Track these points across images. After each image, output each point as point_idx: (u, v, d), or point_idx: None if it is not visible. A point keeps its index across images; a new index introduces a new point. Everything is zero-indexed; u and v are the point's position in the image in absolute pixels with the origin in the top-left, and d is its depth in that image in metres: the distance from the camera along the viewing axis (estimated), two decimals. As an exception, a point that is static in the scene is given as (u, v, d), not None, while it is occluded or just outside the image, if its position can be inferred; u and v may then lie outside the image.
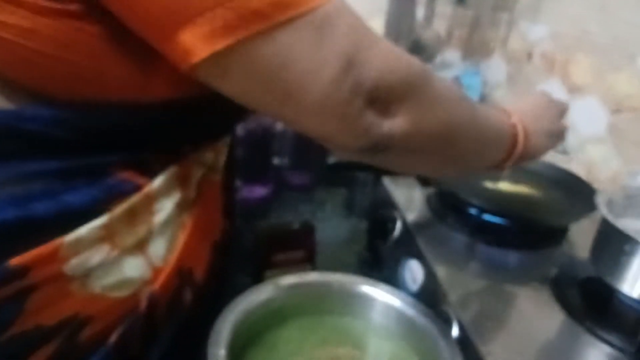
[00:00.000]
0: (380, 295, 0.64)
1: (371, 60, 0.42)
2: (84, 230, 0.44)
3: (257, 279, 0.72)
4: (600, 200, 0.67)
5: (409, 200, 0.91)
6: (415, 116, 0.47)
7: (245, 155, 1.06)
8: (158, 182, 0.49)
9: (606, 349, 0.61)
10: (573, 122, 1.09)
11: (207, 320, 0.56)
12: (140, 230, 0.48)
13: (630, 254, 0.61)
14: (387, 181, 0.97)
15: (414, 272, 0.75)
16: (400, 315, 0.63)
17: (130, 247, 0.48)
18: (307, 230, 0.74)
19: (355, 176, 1.27)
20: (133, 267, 0.48)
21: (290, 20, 0.39)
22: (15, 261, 0.40)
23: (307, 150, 1.14)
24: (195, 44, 0.38)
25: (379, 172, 1.04)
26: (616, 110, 0.96)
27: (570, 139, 1.09)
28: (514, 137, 0.61)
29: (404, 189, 0.95)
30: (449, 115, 0.51)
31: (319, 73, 0.41)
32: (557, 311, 0.66)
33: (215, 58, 0.39)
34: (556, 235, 0.84)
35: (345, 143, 0.46)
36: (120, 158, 0.47)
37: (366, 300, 0.65)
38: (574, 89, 1.09)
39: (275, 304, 0.62)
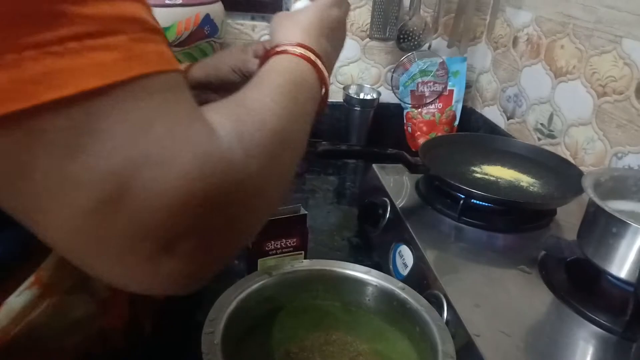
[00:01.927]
0: (371, 281, 0.65)
1: (159, 184, 0.29)
2: (12, 299, 0.39)
3: (251, 267, 0.73)
4: (587, 182, 0.68)
5: (398, 186, 0.92)
6: (241, 224, 0.36)
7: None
8: None
9: (594, 329, 0.62)
10: (559, 106, 1.10)
11: (185, 316, 0.54)
12: (78, 270, 0.43)
13: (617, 235, 0.62)
14: (376, 168, 0.98)
15: (404, 256, 0.76)
16: (391, 300, 0.64)
17: (70, 289, 0.43)
18: (299, 219, 0.74)
19: (345, 164, 1.28)
20: (77, 308, 0.44)
21: (22, 115, 0.26)
22: None
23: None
24: None
25: (368, 160, 1.04)
26: (601, 93, 0.97)
27: (557, 123, 1.10)
28: (318, 74, 0.52)
29: (393, 176, 0.95)
30: (283, 164, 0.41)
31: (62, 200, 0.28)
32: (545, 292, 0.67)
33: None
34: (544, 217, 0.85)
35: (139, 288, 0.33)
36: None
37: (358, 285, 0.65)
38: (560, 74, 1.10)
39: (269, 291, 0.63)
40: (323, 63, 0.53)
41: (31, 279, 0.40)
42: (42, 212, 0.29)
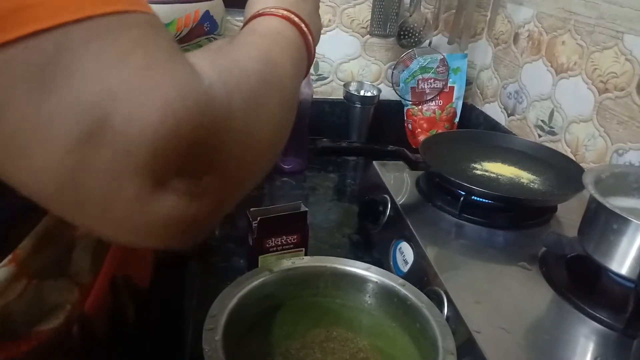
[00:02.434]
0: (371, 277, 0.65)
1: (141, 114, 0.27)
2: None
3: (251, 264, 0.73)
4: (587, 179, 0.67)
5: (399, 183, 0.92)
6: (231, 173, 0.34)
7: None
8: None
9: (595, 325, 0.62)
10: (560, 103, 1.10)
11: (165, 318, 0.53)
12: (59, 251, 0.42)
13: (618, 232, 0.62)
14: (377, 165, 0.98)
15: (404, 253, 0.76)
16: (391, 296, 0.64)
17: (49, 271, 0.42)
18: (300, 215, 0.74)
19: (346, 161, 1.28)
20: (56, 293, 0.43)
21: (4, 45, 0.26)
22: None
23: (297, 135, 1.14)
24: None
25: (369, 157, 1.04)
26: (603, 90, 0.97)
27: (557, 120, 1.10)
28: (300, 33, 0.51)
29: (393, 173, 0.95)
30: (272, 121, 0.40)
31: (45, 132, 0.27)
32: (545, 289, 0.67)
33: None
34: (544, 214, 0.85)
35: (131, 240, 0.31)
36: None
37: (358, 282, 0.65)
38: (561, 70, 1.10)
39: (270, 288, 0.63)
40: (308, 28, 0.52)
41: (9, 257, 0.39)
42: (19, 160, 0.28)
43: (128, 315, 0.51)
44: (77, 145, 0.27)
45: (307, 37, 0.51)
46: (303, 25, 0.51)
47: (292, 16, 0.50)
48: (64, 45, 0.27)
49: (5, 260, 0.39)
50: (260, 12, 0.50)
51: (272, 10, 0.50)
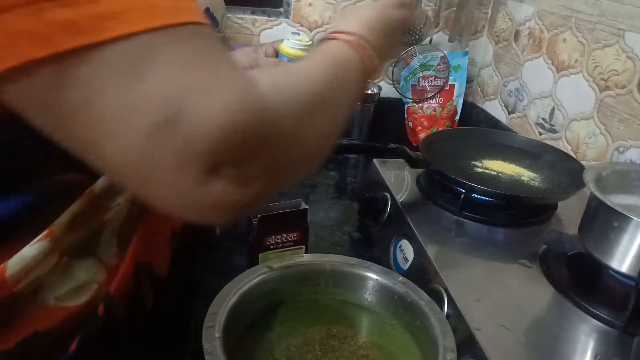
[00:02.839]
0: (372, 275, 0.65)
1: (208, 111, 0.32)
2: (26, 249, 0.40)
3: (252, 261, 0.73)
4: (588, 176, 0.67)
5: (399, 181, 0.92)
6: (280, 164, 0.39)
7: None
8: (103, 179, 0.45)
9: (595, 323, 0.62)
10: (560, 101, 1.10)
11: (179, 308, 0.54)
12: (89, 232, 0.45)
13: (619, 229, 0.62)
14: (377, 163, 0.98)
15: (404, 251, 0.76)
16: (392, 294, 0.64)
17: (80, 250, 0.45)
18: (300, 213, 0.74)
19: (346, 158, 1.28)
20: (85, 271, 0.45)
21: (82, 52, 0.30)
22: None
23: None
24: None
25: (369, 155, 1.04)
26: (604, 87, 0.97)
27: (558, 117, 1.10)
28: (361, 56, 0.55)
29: (394, 170, 0.95)
30: (319, 131, 0.44)
31: (126, 120, 0.32)
32: (546, 287, 0.67)
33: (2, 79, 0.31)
34: (545, 212, 0.85)
35: (188, 215, 0.38)
36: (55, 161, 0.42)
37: (358, 280, 0.65)
38: (562, 68, 1.09)
39: (270, 285, 0.63)
40: (373, 54, 0.56)
41: (45, 232, 0.42)
42: (103, 141, 0.32)
43: (147, 302, 0.53)
44: (155, 131, 0.31)
45: (370, 65, 0.55)
46: (368, 51, 0.55)
47: (359, 41, 0.55)
48: (152, 46, 0.32)
49: (41, 235, 0.41)
50: (331, 35, 0.56)
51: (339, 35, 0.55)
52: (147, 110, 0.31)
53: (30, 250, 0.41)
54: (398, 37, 0.66)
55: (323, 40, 0.56)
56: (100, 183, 0.45)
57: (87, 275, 0.45)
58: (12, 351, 0.42)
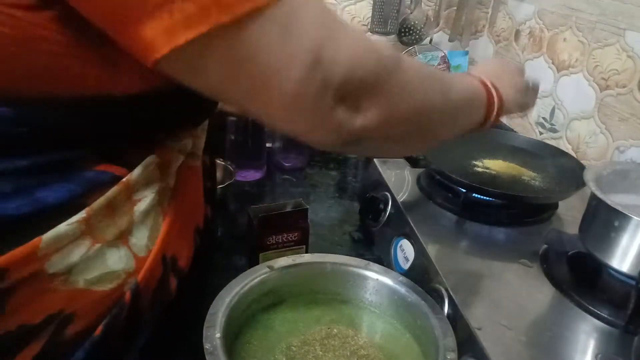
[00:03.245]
0: (372, 275, 0.65)
1: (339, 54, 0.40)
2: (62, 227, 0.43)
3: (252, 261, 0.73)
4: (588, 176, 0.67)
5: (400, 180, 0.92)
6: (387, 108, 0.46)
7: (239, 139, 1.06)
8: (137, 172, 0.48)
9: (596, 322, 0.62)
10: (561, 100, 1.10)
11: (191, 305, 0.56)
12: (121, 222, 0.47)
13: (619, 229, 0.62)
14: (377, 162, 0.98)
15: (405, 251, 0.76)
16: (392, 294, 0.63)
17: (112, 239, 0.47)
18: (301, 213, 0.74)
19: (347, 158, 1.28)
20: (116, 259, 0.47)
21: (253, 13, 0.37)
22: None
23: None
24: (156, 39, 0.36)
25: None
26: (604, 87, 0.97)
27: (559, 117, 1.10)
28: (488, 95, 0.62)
29: (394, 170, 0.95)
30: (422, 100, 0.50)
31: (285, 70, 0.39)
32: (546, 286, 0.67)
33: (177, 53, 0.37)
34: (545, 211, 0.85)
35: (318, 139, 0.45)
36: (94, 151, 0.46)
37: (359, 279, 0.65)
38: (562, 67, 1.09)
39: (270, 285, 0.63)
40: (498, 98, 0.63)
41: (82, 213, 0.44)
42: (264, 90, 0.40)
43: (170, 294, 0.53)
44: (306, 72, 0.39)
45: (492, 97, 0.63)
46: (489, 84, 0.63)
47: (487, 82, 0.63)
48: (292, 7, 0.39)
49: (78, 217, 0.44)
50: (473, 76, 0.64)
51: (478, 76, 0.64)
52: (297, 60, 0.39)
53: (64, 227, 0.43)
54: (512, 112, 0.72)
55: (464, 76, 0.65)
56: (135, 174, 0.48)
57: (118, 263, 0.47)
58: (38, 326, 0.43)
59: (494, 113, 0.63)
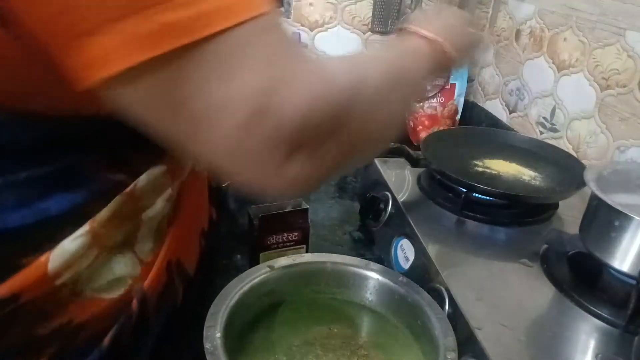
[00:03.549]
0: (372, 274, 0.65)
1: (292, 99, 0.36)
2: (68, 243, 0.42)
3: (253, 261, 0.73)
4: (589, 176, 0.67)
5: (400, 180, 0.92)
6: (349, 146, 0.42)
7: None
8: (143, 179, 0.47)
9: (596, 322, 0.62)
10: (561, 100, 1.09)
11: (196, 307, 0.55)
12: (128, 229, 0.47)
13: (620, 228, 0.62)
14: (378, 162, 0.98)
15: (405, 250, 0.76)
16: (392, 293, 0.64)
17: (118, 246, 0.46)
18: (301, 212, 0.74)
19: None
20: (122, 265, 0.46)
21: (194, 46, 0.33)
22: (2, 291, 0.38)
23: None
24: (96, 60, 0.32)
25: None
26: (605, 86, 0.97)
27: (559, 116, 1.10)
28: (439, 55, 0.57)
29: (394, 170, 0.95)
30: (386, 120, 0.47)
31: (224, 113, 0.35)
32: (547, 286, 0.67)
33: (114, 79, 0.33)
34: (546, 211, 0.85)
35: (270, 193, 0.42)
36: (99, 160, 0.45)
37: (359, 279, 0.65)
38: (562, 67, 1.09)
39: (271, 285, 0.63)
40: (448, 50, 0.57)
41: (86, 227, 0.43)
42: (202, 132, 0.36)
43: (177, 299, 0.53)
44: (247, 120, 0.35)
45: (440, 48, 0.56)
46: (440, 41, 0.56)
47: (432, 35, 0.56)
48: (240, 42, 0.34)
49: (83, 230, 0.43)
50: (412, 30, 0.57)
51: (415, 29, 0.57)
52: (242, 102, 0.35)
53: (71, 244, 0.42)
54: (471, 50, 0.67)
55: (399, 32, 0.59)
56: (142, 182, 0.47)
57: (123, 269, 0.47)
58: (47, 337, 0.42)
59: (446, 66, 0.59)
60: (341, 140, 0.41)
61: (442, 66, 0.58)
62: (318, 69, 0.39)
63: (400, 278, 0.64)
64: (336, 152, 0.41)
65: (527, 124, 1.22)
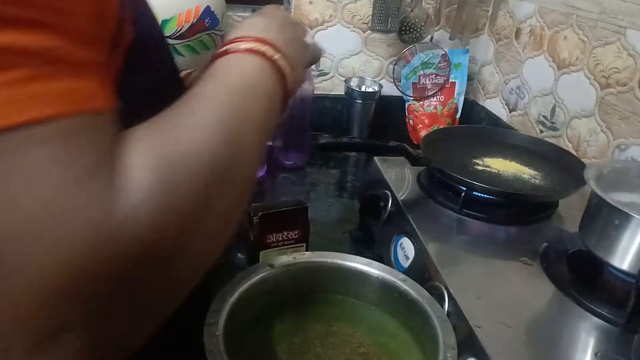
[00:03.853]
0: (372, 272, 0.65)
1: (37, 258, 0.24)
2: None
3: (253, 259, 0.73)
4: (589, 174, 0.67)
5: (400, 179, 0.92)
6: (148, 308, 0.31)
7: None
8: None
9: (595, 320, 0.62)
10: (561, 98, 1.10)
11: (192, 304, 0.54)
12: None
13: (619, 227, 0.62)
14: (378, 161, 0.98)
15: (405, 249, 0.76)
16: (392, 291, 0.64)
17: None
18: (301, 211, 0.74)
19: (347, 156, 1.28)
20: None
21: None
22: None
23: (299, 131, 1.15)
24: None
25: (370, 153, 1.04)
26: (605, 85, 0.97)
27: (559, 115, 1.10)
28: (281, 80, 0.44)
29: (394, 168, 0.95)
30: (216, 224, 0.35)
31: None
32: (546, 284, 0.67)
33: None
34: (545, 209, 0.85)
35: None
36: None
37: (359, 277, 0.65)
38: (563, 65, 1.09)
39: (271, 283, 0.63)
40: (284, 59, 0.45)
41: None
42: None
43: None
44: None
45: (282, 71, 0.44)
46: (278, 58, 0.44)
47: (264, 48, 0.44)
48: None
49: None
50: (229, 46, 0.44)
51: (240, 45, 0.43)
52: None
53: None
54: (305, 56, 0.55)
55: (220, 56, 0.43)
56: None
57: None
58: None
59: (289, 89, 0.46)
60: (124, 308, 0.28)
61: (282, 101, 0.45)
62: (96, 200, 0.26)
63: (400, 276, 0.64)
64: (117, 328, 0.29)
65: (527, 123, 1.22)
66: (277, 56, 0.44)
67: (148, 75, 0.42)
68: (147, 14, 0.45)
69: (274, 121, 0.43)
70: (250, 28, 0.46)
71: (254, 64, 0.43)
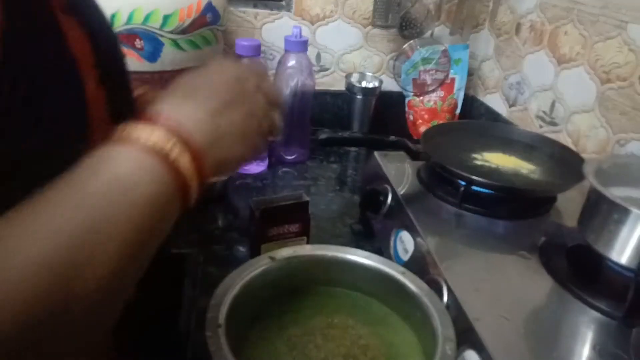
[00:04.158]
0: (372, 265, 0.65)
1: None
2: None
3: (254, 252, 0.73)
4: (588, 169, 0.67)
5: (400, 173, 0.92)
6: None
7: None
8: None
9: (594, 314, 0.62)
10: (561, 93, 1.10)
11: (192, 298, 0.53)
12: None
13: (618, 222, 0.62)
14: (378, 156, 0.98)
15: (405, 242, 0.77)
16: (392, 284, 0.64)
17: None
18: (302, 205, 0.75)
19: (347, 151, 1.28)
20: None
21: None
22: None
23: (299, 126, 1.15)
24: None
25: (370, 148, 1.04)
26: (605, 80, 0.97)
27: (559, 110, 1.10)
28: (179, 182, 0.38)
29: (394, 163, 0.95)
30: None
31: None
32: (545, 279, 0.67)
33: None
34: (544, 204, 0.85)
35: None
36: None
37: (359, 270, 0.66)
38: (563, 60, 1.09)
39: (272, 276, 0.63)
40: (194, 158, 0.38)
41: None
42: None
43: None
44: None
45: (182, 175, 0.38)
46: (180, 157, 0.37)
47: (169, 144, 0.37)
48: None
49: None
50: (124, 133, 0.37)
51: (140, 135, 0.36)
52: None
53: None
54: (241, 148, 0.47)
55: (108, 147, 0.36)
56: None
57: None
58: None
59: (191, 192, 0.39)
60: None
61: (181, 201, 0.39)
62: None
63: (400, 269, 0.64)
64: None
65: (527, 118, 1.23)
66: (181, 157, 0.37)
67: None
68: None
69: (162, 224, 0.37)
70: (176, 101, 0.41)
71: (141, 160, 0.36)
